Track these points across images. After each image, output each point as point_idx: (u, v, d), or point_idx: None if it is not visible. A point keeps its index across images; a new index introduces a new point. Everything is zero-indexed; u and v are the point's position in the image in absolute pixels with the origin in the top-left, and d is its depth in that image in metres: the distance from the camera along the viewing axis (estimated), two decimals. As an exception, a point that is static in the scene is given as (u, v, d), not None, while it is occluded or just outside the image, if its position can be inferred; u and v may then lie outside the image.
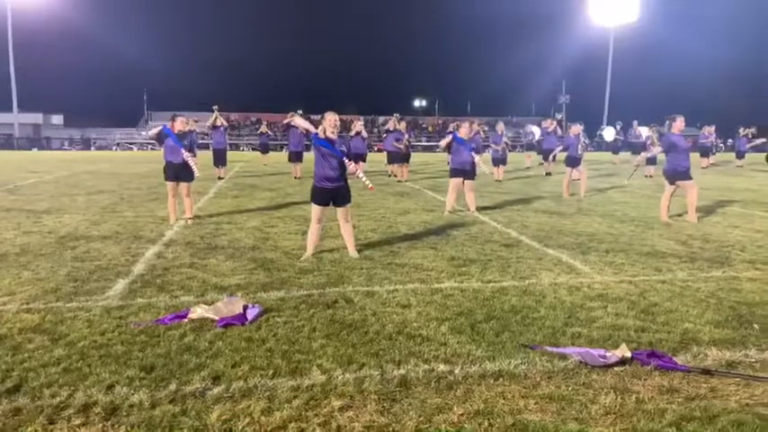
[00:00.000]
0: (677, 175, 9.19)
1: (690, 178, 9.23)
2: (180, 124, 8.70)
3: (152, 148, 44.21)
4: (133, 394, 3.10)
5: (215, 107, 16.83)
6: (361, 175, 6.50)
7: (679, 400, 3.12)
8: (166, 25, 65.59)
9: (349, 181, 6.55)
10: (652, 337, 4.05)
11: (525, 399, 3.12)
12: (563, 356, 3.65)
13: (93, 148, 49.40)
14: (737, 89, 56.49)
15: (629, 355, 3.57)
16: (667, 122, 9.47)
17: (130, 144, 50.50)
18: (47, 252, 6.62)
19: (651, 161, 17.62)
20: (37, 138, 51.30)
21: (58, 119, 59.22)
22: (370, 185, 6.53)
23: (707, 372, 3.44)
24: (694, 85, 57.90)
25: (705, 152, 24.66)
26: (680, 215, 9.43)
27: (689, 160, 9.29)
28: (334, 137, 6.27)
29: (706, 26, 61.29)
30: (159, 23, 64.98)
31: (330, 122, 6.24)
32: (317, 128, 6.37)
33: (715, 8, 58.74)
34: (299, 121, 6.98)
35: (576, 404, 3.06)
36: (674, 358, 3.63)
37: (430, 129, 59.13)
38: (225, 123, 17.79)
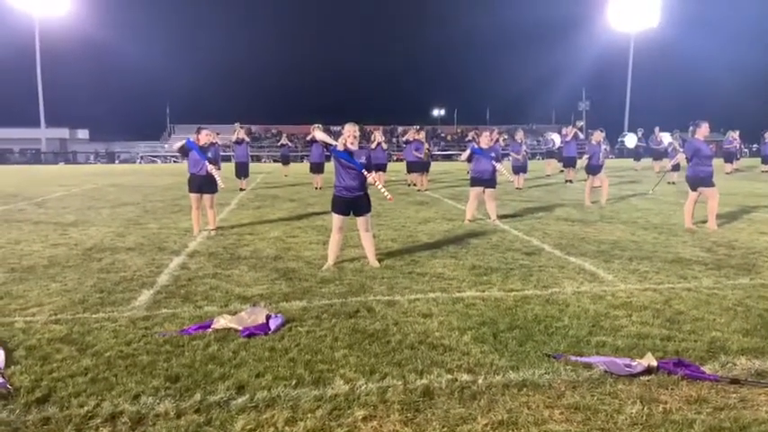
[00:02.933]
0: (700, 181, 9.06)
1: (713, 185, 9.10)
2: (205, 137, 8.85)
3: (175, 161, 44.85)
4: (159, 404, 3.14)
5: (237, 123, 17.60)
6: (380, 186, 6.53)
7: (708, 410, 3.06)
8: (188, 40, 66.75)
9: (369, 190, 6.58)
10: (678, 345, 3.98)
11: (550, 409, 3.09)
12: (588, 366, 3.61)
13: (117, 161, 50.25)
14: (761, 93, 55.50)
15: (655, 364, 3.52)
16: (691, 128, 9.34)
17: (154, 157, 51.25)
18: (74, 264, 6.75)
19: (675, 167, 17.38)
20: (63, 152, 52.36)
21: (83, 133, 60.43)
22: (389, 196, 6.55)
23: (736, 381, 3.38)
24: (717, 90, 57.04)
25: (730, 157, 24.27)
26: (704, 222, 9.29)
27: (712, 167, 9.16)
28: (354, 147, 6.32)
29: (727, 30, 60.45)
30: (181, 39, 66.12)
31: (349, 134, 6.30)
32: (336, 140, 6.43)
33: (736, 11, 58.01)
34: (319, 135, 7.05)
35: (602, 414, 3.02)
36: (702, 367, 3.56)
37: (448, 138, 59.07)
38: (247, 138, 18.14)
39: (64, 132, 57.04)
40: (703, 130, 9.12)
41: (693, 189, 9.16)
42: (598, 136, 13.15)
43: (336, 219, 6.44)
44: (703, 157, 9.03)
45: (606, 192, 12.95)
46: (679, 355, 3.76)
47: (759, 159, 25.93)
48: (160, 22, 64.25)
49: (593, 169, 12.88)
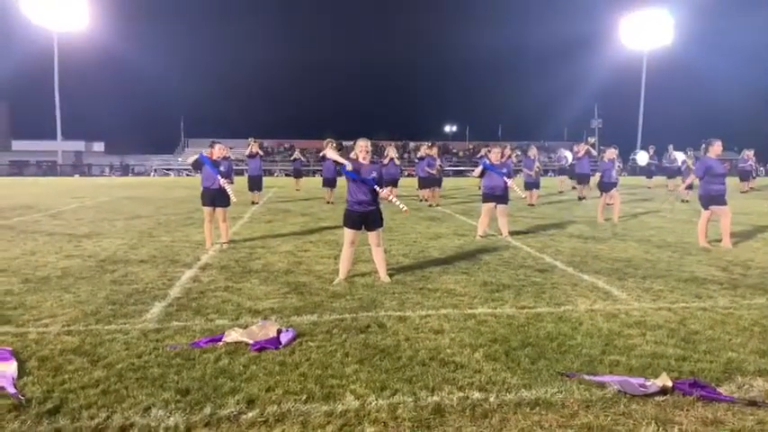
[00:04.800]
0: (712, 199, 9.00)
1: (725, 203, 9.03)
2: (218, 151, 8.96)
3: (188, 174, 45.20)
4: (169, 417, 3.14)
5: (251, 139, 17.90)
6: (393, 199, 6.53)
7: (724, 432, 3.01)
8: (203, 56, 67.66)
9: (381, 205, 6.58)
10: (694, 366, 3.92)
11: (563, 428, 3.05)
12: (601, 385, 3.57)
13: (131, 174, 50.82)
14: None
15: (670, 384, 3.46)
16: (704, 146, 9.28)
17: (168, 170, 51.76)
18: (87, 275, 6.80)
19: (688, 187, 17.27)
20: (79, 164, 53.04)
21: (99, 146, 61.27)
22: (404, 209, 6.54)
23: (753, 403, 3.31)
24: (731, 109, 56.76)
25: (745, 176, 24.06)
26: (718, 240, 9.19)
27: (725, 185, 9.10)
28: (365, 162, 6.35)
29: (741, 49, 60.31)
30: (196, 54, 67.08)
31: (361, 149, 6.37)
32: (348, 156, 6.47)
33: (749, 31, 57.78)
34: (330, 154, 7.10)
35: (616, 435, 2.97)
36: (718, 389, 3.51)
37: (460, 154, 59.10)
38: (261, 152, 18.33)
39: (80, 145, 57.87)
40: (716, 149, 9.07)
41: (706, 207, 9.08)
42: (611, 153, 13.11)
43: (348, 233, 6.45)
44: (716, 175, 8.96)
45: (618, 209, 12.87)
46: (694, 376, 3.70)
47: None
48: (176, 37, 65.29)
49: (605, 186, 12.83)
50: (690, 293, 5.99)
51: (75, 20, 48.94)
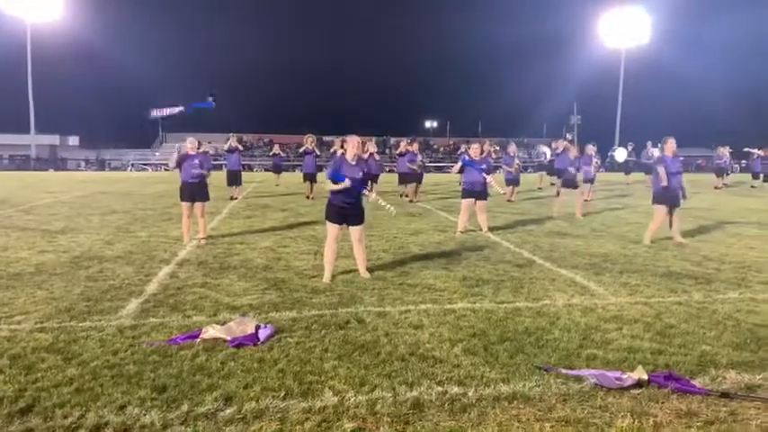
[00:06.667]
0: (666, 198, 8.94)
1: (678, 204, 9.00)
2: (190, 144, 8.94)
3: (165, 169, 44.64)
4: (145, 415, 3.10)
5: (231, 134, 18.00)
6: (382, 202, 6.57)
7: (698, 423, 3.06)
8: (181, 48, 66.66)
9: (365, 203, 6.58)
10: (669, 359, 3.99)
11: (540, 422, 3.07)
12: (578, 379, 3.60)
13: (107, 168, 49.99)
14: (751, 111, 56.15)
15: (645, 377, 3.51)
16: (660, 145, 9.28)
17: (145, 165, 51.06)
18: (61, 272, 6.67)
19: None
20: (53, 159, 52.03)
21: (74, 140, 60.08)
22: (392, 211, 6.64)
23: (726, 395, 3.37)
24: (707, 106, 57.67)
25: (720, 173, 24.50)
26: (688, 237, 9.31)
27: (680, 183, 9.02)
28: (352, 162, 6.34)
29: (717, 47, 61.30)
30: (173, 46, 66.05)
31: (354, 145, 6.42)
32: (328, 151, 6.47)
33: (725, 30, 58.74)
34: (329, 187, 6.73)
35: (593, 428, 3.01)
36: (692, 381, 3.57)
37: (441, 150, 59.25)
38: (240, 147, 18.21)
39: (54, 139, 56.71)
40: (669, 146, 9.03)
41: (661, 204, 9.01)
42: (590, 149, 13.28)
43: (331, 227, 6.40)
44: (670, 173, 8.88)
45: (581, 204, 13.10)
46: (669, 369, 3.75)
47: (749, 175, 26.21)
48: (153, 29, 64.20)
49: (567, 183, 13.19)
50: (665, 288, 6.08)
51: (49, 10, 47.87)
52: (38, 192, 19.92)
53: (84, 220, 11.57)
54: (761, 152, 25.55)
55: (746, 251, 8.38)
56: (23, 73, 48.61)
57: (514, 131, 59.53)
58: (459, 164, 10.06)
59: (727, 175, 26.09)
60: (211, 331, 4.34)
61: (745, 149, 20.52)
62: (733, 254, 8.15)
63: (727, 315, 5.05)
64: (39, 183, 26.31)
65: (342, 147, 6.38)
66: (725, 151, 24.58)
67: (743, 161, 38.04)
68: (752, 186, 23.82)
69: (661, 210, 9.02)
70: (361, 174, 6.32)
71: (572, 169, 13.02)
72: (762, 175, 25.36)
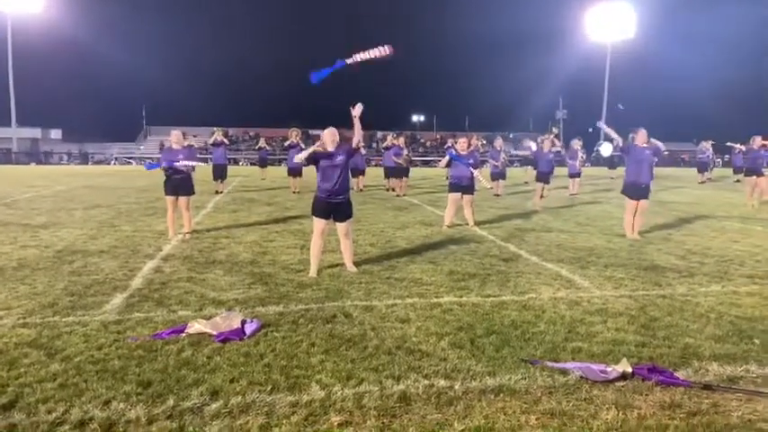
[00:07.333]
0: (631, 190, 8.96)
1: (646, 196, 9.01)
2: (174, 138, 8.89)
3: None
4: (130, 410, 3.07)
5: (215, 129, 17.95)
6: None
7: (681, 415, 3.10)
8: (165, 40, 65.91)
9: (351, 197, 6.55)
10: (653, 351, 4.03)
11: (526, 414, 3.09)
12: (564, 372, 3.63)
13: (91, 162, 49.38)
14: (734, 105, 56.81)
15: (629, 370, 3.55)
16: (630, 135, 9.30)
17: (129, 159, 50.53)
18: (44, 266, 6.59)
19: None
20: (35, 152, 51.29)
21: (56, 133, 59.21)
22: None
23: (708, 387, 3.42)
24: (691, 101, 58.26)
25: (703, 167, 24.78)
26: (649, 231, 9.40)
27: (650, 176, 9.03)
28: (331, 148, 6.31)
29: (702, 43, 61.87)
30: (158, 38, 65.30)
31: (329, 138, 6.33)
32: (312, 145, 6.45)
33: (710, 25, 59.34)
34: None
35: (578, 420, 3.04)
36: (676, 373, 3.61)
37: (428, 144, 59.28)
38: (226, 141, 18.10)
39: (36, 132, 55.85)
40: (641, 137, 9.00)
41: (631, 197, 9.03)
42: (575, 144, 13.38)
43: (318, 222, 6.37)
44: (643, 164, 8.89)
45: (541, 199, 13.41)
46: (653, 362, 3.80)
47: (731, 170, 26.53)
48: (137, 21, 63.52)
49: (541, 176, 13.57)
50: (650, 281, 6.15)
51: (30, 2, 47.10)
52: (19, 186, 19.65)
53: (67, 215, 11.43)
54: (743, 147, 25.85)
55: (729, 245, 8.50)
56: (4, 66, 47.76)
57: (501, 126, 59.73)
58: (447, 158, 10.08)
59: (711, 169, 26.41)
60: (197, 326, 4.32)
61: (728, 144, 20.67)
62: (716, 247, 8.25)
63: (710, 308, 5.12)
64: (20, 177, 25.95)
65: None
66: (707, 146, 24.87)
67: (726, 155, 38.50)
68: (736, 181, 24.13)
69: (629, 201, 9.03)
70: (344, 155, 6.29)
71: (543, 162, 13.30)
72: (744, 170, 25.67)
